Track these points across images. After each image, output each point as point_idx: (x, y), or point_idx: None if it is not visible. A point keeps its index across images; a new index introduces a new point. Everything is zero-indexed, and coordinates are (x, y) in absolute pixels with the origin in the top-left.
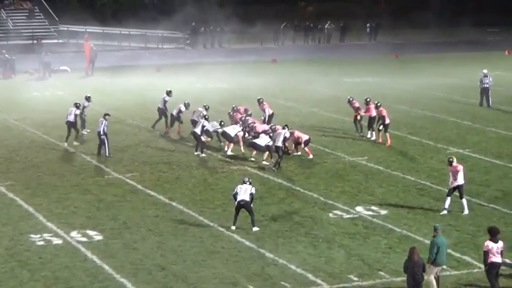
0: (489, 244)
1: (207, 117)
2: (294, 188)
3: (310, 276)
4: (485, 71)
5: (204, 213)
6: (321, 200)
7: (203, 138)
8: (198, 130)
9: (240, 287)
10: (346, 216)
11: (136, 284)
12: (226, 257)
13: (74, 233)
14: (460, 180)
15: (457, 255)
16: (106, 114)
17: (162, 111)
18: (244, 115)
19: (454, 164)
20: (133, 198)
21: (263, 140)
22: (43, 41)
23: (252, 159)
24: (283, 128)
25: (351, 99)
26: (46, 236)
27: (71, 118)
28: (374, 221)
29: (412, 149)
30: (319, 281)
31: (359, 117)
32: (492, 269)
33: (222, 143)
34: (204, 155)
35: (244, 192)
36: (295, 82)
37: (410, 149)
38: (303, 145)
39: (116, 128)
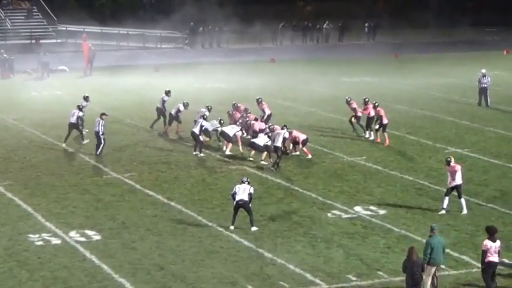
0: (488, 243)
1: (205, 116)
2: (292, 188)
3: (309, 276)
4: (483, 70)
5: (202, 213)
6: (319, 199)
7: (201, 138)
8: (196, 130)
9: (239, 286)
10: (344, 216)
11: (134, 283)
12: (225, 256)
13: (72, 233)
14: (458, 180)
15: (456, 254)
16: (102, 114)
17: (161, 111)
18: (243, 114)
19: (452, 163)
20: (131, 198)
21: (262, 140)
22: (41, 41)
23: (251, 159)
24: (282, 128)
25: (349, 99)
26: (45, 235)
27: (73, 120)
28: (372, 220)
29: (411, 148)
30: (317, 281)
31: (354, 119)
32: (489, 269)
33: (221, 143)
34: (202, 154)
35: (242, 192)
36: (293, 82)
37: (408, 148)
38: (300, 145)
39: (114, 127)
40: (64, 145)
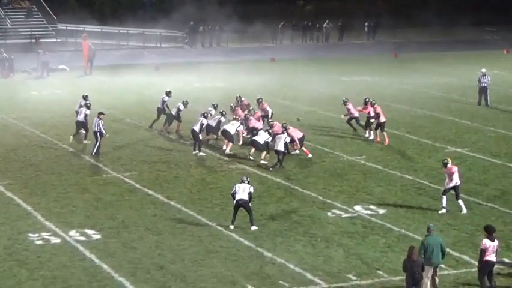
0: (486, 243)
1: (206, 114)
2: (292, 187)
3: (309, 275)
4: (483, 70)
5: (202, 212)
6: (319, 199)
7: (201, 136)
8: (196, 128)
9: (239, 286)
10: (344, 215)
11: (134, 283)
12: (225, 256)
13: (72, 232)
14: (456, 181)
15: (455, 254)
16: (100, 113)
17: (161, 111)
18: (246, 112)
19: (449, 165)
20: (131, 197)
21: (262, 137)
22: (41, 40)
23: (251, 158)
24: (283, 126)
25: (345, 100)
26: (44, 235)
27: (81, 118)
28: (372, 220)
29: (410, 148)
30: (317, 280)
31: (352, 120)
32: (486, 268)
33: (218, 138)
34: (202, 153)
35: (242, 191)
36: (293, 81)
37: (408, 148)
38: (298, 144)
39: (114, 126)
40: (71, 138)
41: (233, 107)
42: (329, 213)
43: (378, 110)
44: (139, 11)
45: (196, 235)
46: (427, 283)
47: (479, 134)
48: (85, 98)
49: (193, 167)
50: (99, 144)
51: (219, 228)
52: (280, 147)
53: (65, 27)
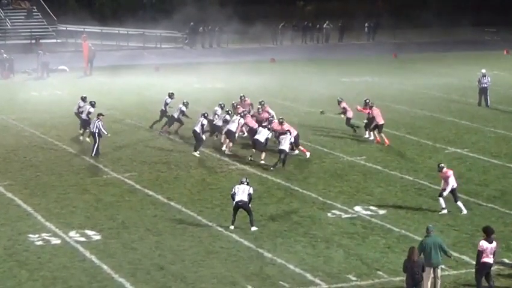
0: (484, 244)
1: (206, 115)
2: (292, 188)
3: (309, 276)
4: (483, 70)
5: (202, 213)
6: (319, 199)
7: (204, 136)
8: (197, 128)
9: (239, 286)
10: (344, 216)
11: (134, 283)
12: (225, 256)
13: (72, 233)
14: (452, 184)
15: (456, 254)
16: (99, 114)
17: (164, 113)
18: (246, 110)
19: (444, 170)
20: (131, 198)
21: (263, 135)
22: (41, 41)
23: (251, 159)
24: (279, 122)
25: (340, 99)
26: (45, 235)
27: (84, 116)
28: (372, 220)
29: (411, 148)
30: (317, 281)
31: (344, 118)
32: (483, 269)
33: (216, 137)
34: (197, 154)
35: (242, 192)
36: (293, 82)
37: (408, 148)
38: (294, 145)
39: (114, 127)
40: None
41: (235, 104)
42: (329, 214)
43: (375, 113)
44: (139, 11)
45: (196, 236)
46: (428, 284)
47: (479, 134)
48: (83, 99)
49: (194, 167)
50: (98, 145)
51: (219, 229)
52: (285, 146)
53: (65, 28)
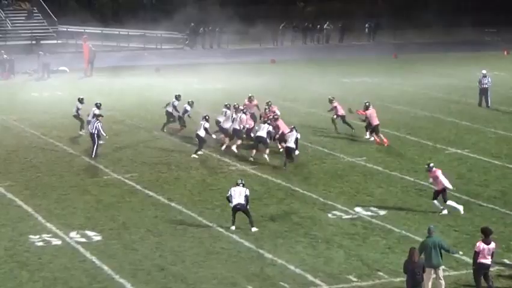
0: (481, 245)
1: (207, 117)
2: (293, 189)
3: (309, 277)
4: (484, 71)
5: (203, 214)
6: (320, 200)
7: (214, 136)
8: (201, 133)
9: (239, 287)
10: (345, 216)
11: (135, 284)
12: (225, 257)
13: (73, 234)
14: (443, 183)
15: (456, 255)
16: (99, 115)
17: (170, 115)
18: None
19: (433, 169)
20: (132, 199)
21: (264, 130)
22: (42, 42)
23: (252, 159)
24: (274, 118)
25: (331, 98)
26: (45, 236)
27: (90, 117)
28: (373, 221)
29: (411, 149)
30: (318, 282)
31: (335, 117)
32: (480, 270)
33: (215, 136)
34: (195, 156)
35: (238, 195)
36: (294, 82)
37: (409, 149)
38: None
39: (115, 128)
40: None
41: (236, 105)
42: (329, 215)
43: (369, 113)
44: (140, 12)
45: (196, 236)
46: (428, 285)
47: (480, 135)
48: (80, 100)
49: (194, 168)
50: (97, 146)
51: (220, 229)
52: (292, 144)
53: (65, 29)
